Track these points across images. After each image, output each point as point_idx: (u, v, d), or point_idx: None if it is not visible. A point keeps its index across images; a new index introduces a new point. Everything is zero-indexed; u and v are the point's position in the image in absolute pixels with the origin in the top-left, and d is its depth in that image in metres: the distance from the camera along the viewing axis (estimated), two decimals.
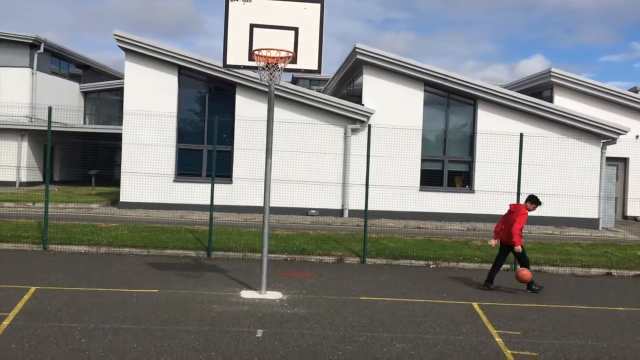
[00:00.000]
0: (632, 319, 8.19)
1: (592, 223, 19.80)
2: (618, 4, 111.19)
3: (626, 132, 19.96)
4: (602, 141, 20.08)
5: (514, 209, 9.70)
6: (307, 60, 8.45)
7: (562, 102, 22.59)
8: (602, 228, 19.86)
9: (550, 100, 22.96)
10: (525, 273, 9.45)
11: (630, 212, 22.98)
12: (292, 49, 8.28)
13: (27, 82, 29.26)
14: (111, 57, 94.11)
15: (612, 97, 22.98)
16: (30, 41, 29.09)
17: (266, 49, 8.09)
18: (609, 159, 21.22)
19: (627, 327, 7.68)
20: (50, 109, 11.69)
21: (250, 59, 8.35)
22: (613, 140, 20.04)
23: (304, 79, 44.84)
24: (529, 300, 9.06)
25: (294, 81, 42.06)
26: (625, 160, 22.93)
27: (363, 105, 19.85)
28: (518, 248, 9.40)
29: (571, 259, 12.86)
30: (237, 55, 8.43)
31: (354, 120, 19.73)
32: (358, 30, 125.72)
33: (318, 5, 8.50)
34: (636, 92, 29.76)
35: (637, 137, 22.08)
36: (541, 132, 19.78)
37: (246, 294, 8.63)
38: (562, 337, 7.05)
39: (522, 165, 12.41)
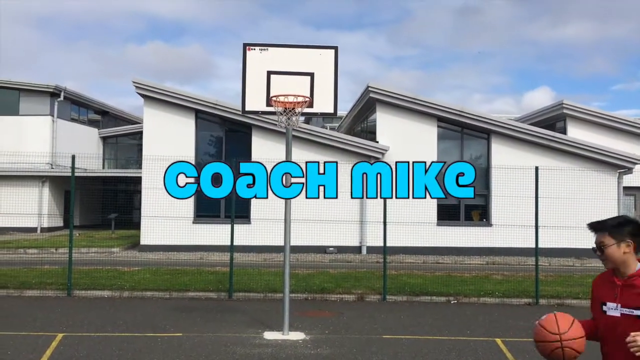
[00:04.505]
0: None
1: None
2: (619, 35, 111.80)
3: None
4: (619, 171, 20.05)
5: None
6: (323, 104, 8.71)
7: (576, 133, 22.69)
8: None
9: (564, 131, 23.07)
10: None
11: None
12: (308, 94, 8.54)
13: (48, 129, 30.05)
14: (129, 102, 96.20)
15: (624, 127, 23.03)
16: (51, 90, 30.01)
17: (284, 95, 8.35)
18: (625, 188, 21.14)
19: None
20: (73, 157, 12.03)
21: (268, 104, 8.63)
22: (629, 170, 20.02)
23: (318, 116, 45.31)
24: None
25: (307, 119, 42.56)
26: None
27: (377, 142, 20.10)
28: None
29: None
30: (256, 101, 8.71)
31: (369, 157, 19.94)
32: (369, 68, 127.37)
33: (332, 51, 8.81)
34: None
35: None
36: (556, 164, 19.81)
37: (269, 335, 8.70)
38: None
39: (539, 198, 12.42)
